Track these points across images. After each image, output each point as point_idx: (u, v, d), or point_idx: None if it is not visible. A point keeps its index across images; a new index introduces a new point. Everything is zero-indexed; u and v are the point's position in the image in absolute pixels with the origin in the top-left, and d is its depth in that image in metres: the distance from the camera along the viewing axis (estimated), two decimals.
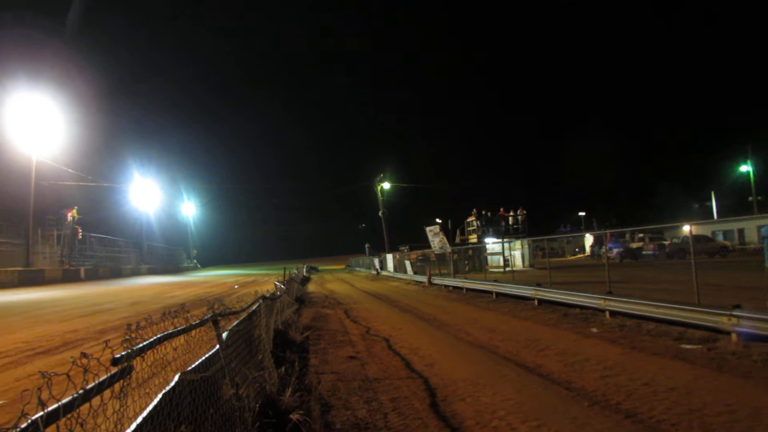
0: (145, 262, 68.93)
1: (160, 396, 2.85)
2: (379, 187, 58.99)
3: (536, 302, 14.78)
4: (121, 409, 2.35)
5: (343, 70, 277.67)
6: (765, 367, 6.87)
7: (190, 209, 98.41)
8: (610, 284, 12.53)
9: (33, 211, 40.30)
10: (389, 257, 45.42)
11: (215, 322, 4.19)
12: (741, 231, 42.42)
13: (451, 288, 23.39)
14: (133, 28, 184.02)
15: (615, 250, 38.34)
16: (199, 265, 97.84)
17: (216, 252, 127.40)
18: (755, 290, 9.33)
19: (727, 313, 8.39)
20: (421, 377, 7.25)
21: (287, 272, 25.05)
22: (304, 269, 49.65)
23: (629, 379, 6.52)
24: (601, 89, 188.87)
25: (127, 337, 2.58)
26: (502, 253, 32.06)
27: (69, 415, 1.80)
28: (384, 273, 44.81)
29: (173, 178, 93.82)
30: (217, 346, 4.17)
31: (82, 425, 1.88)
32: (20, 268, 37.70)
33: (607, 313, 11.48)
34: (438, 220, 41.67)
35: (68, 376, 1.84)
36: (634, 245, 39.50)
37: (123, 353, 2.39)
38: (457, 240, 43.01)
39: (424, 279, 27.97)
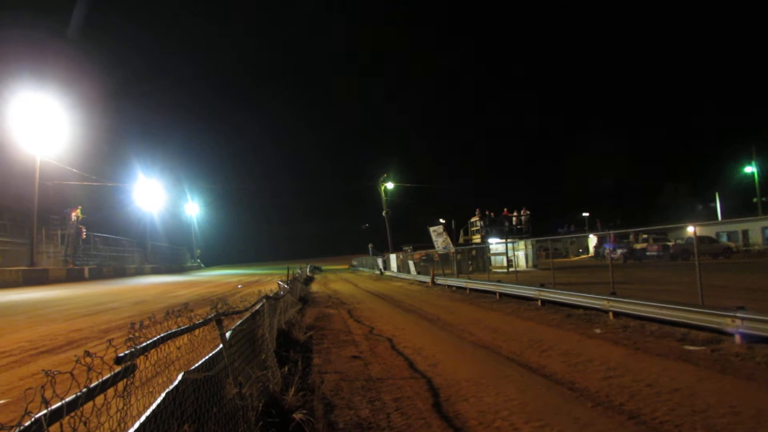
0: (148, 261, 69.15)
1: (163, 395, 2.86)
2: (382, 187, 58.95)
3: (540, 303, 14.75)
4: (125, 408, 2.36)
5: (347, 70, 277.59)
6: None
7: (193, 209, 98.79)
8: (613, 285, 12.50)
9: (37, 211, 40.47)
10: (393, 257, 45.40)
11: (219, 322, 4.19)
12: (745, 232, 42.25)
13: (454, 288, 23.37)
14: (137, 29, 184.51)
15: (619, 251, 38.27)
16: (202, 265, 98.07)
17: (220, 252, 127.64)
18: (759, 291, 9.33)
19: (731, 314, 8.36)
20: (425, 377, 7.24)
21: (291, 272, 25.07)
22: (308, 269, 49.74)
23: (633, 380, 6.50)
24: (606, 90, 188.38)
25: (130, 336, 2.59)
26: (506, 254, 31.99)
27: (72, 414, 1.81)
28: (387, 273, 44.80)
29: (177, 177, 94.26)
30: (221, 346, 4.17)
31: (85, 423, 1.88)
32: (24, 267, 37.86)
33: (611, 314, 11.45)
34: (441, 221, 41.68)
35: (72, 375, 1.85)
36: (638, 246, 39.40)
37: (126, 352, 2.40)
38: (461, 240, 42.94)
39: (427, 279, 27.95)
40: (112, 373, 2.22)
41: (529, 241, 35.06)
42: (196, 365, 3.62)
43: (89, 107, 53.46)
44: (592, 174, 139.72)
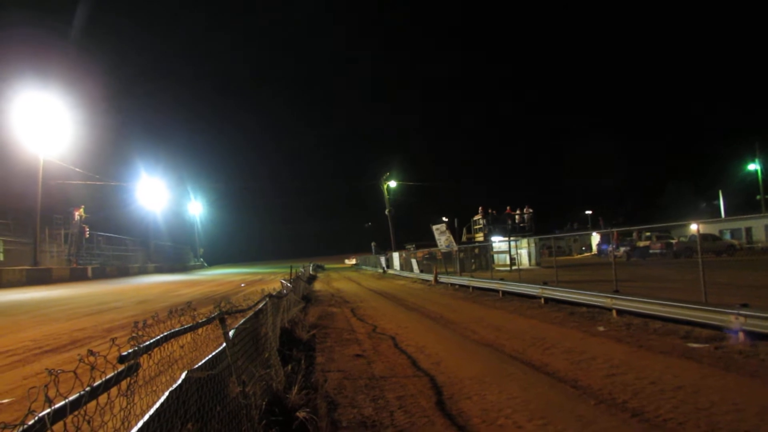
0: (152, 260, 69.30)
1: (167, 393, 2.86)
2: (385, 186, 59.00)
3: (543, 301, 14.74)
4: (128, 407, 2.36)
5: (349, 69, 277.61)
6: None
7: (197, 208, 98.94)
8: (616, 283, 12.49)
9: (41, 211, 40.56)
10: (396, 256, 45.44)
11: (222, 320, 4.20)
12: (749, 230, 42.15)
13: (457, 286, 23.37)
14: (139, 28, 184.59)
15: (622, 249, 38.21)
16: (205, 264, 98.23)
17: (223, 250, 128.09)
18: (763, 289, 9.31)
19: (735, 311, 8.34)
20: (428, 375, 7.25)
21: (294, 271, 25.11)
22: (311, 268, 49.79)
23: (636, 378, 6.49)
24: (609, 88, 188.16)
25: (134, 335, 2.59)
26: (509, 252, 31.94)
27: (76, 413, 1.81)
28: (390, 271, 44.83)
29: (180, 177, 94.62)
30: (224, 344, 4.18)
31: (89, 422, 1.89)
32: (28, 266, 37.97)
33: (614, 312, 11.44)
34: (444, 219, 41.61)
35: (75, 374, 1.85)
36: (641, 244, 39.33)
37: (130, 351, 2.40)
38: (464, 238, 43.01)
39: (430, 277, 27.95)
40: (116, 371, 2.22)
41: (532, 239, 35.06)
42: (200, 364, 3.62)
43: (92, 106, 53.67)
44: (594, 173, 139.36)
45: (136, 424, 2.40)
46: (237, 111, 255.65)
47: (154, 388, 2.86)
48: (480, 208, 41.78)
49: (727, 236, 40.43)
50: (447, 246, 31.17)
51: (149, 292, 27.00)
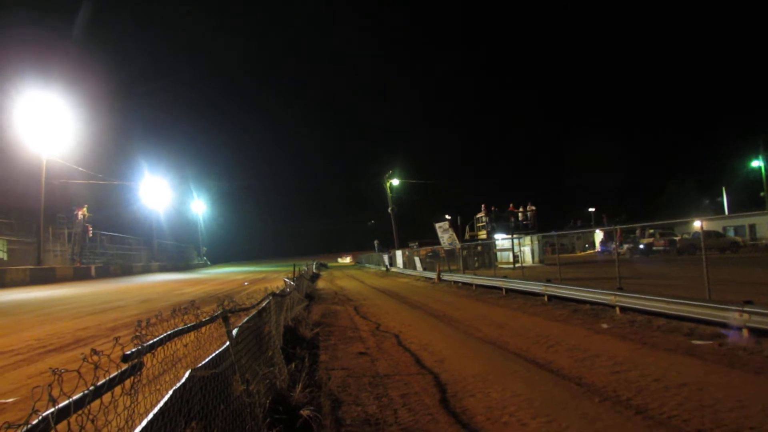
0: (155, 259, 69.37)
1: (170, 392, 2.86)
2: (388, 184, 58.93)
3: (546, 298, 14.72)
4: (132, 406, 2.36)
5: (351, 68, 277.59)
6: None
7: (199, 207, 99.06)
8: (620, 280, 12.47)
9: (44, 210, 40.63)
10: (399, 253, 45.44)
11: (225, 319, 4.20)
12: (752, 227, 42.11)
13: (460, 284, 23.36)
14: (141, 28, 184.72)
15: (625, 246, 38.15)
16: (209, 263, 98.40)
17: (226, 249, 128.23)
18: (767, 286, 9.27)
19: (739, 308, 8.31)
20: (431, 373, 7.24)
21: (297, 269, 25.10)
22: (314, 266, 49.79)
23: (640, 375, 6.48)
24: (612, 85, 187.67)
25: (137, 333, 2.59)
26: (512, 249, 31.94)
27: (80, 412, 1.81)
28: (393, 269, 44.85)
29: (183, 176, 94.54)
30: (228, 343, 4.18)
31: (93, 421, 1.88)
32: (31, 266, 38.08)
33: (618, 309, 11.42)
34: (447, 217, 41.73)
35: (79, 373, 1.85)
36: (645, 241, 39.27)
37: (133, 350, 2.40)
38: (467, 236, 42.95)
39: (433, 275, 27.95)
40: (120, 370, 2.22)
41: (535, 237, 35.03)
42: (203, 362, 3.62)
43: (94, 105, 53.61)
44: (599, 170, 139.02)
45: (140, 423, 2.40)
46: (239, 110, 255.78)
47: (158, 387, 2.86)
48: (483, 205, 41.74)
49: (731, 233, 40.41)
50: (450, 244, 31.17)
51: (152, 291, 27.05)
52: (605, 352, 7.88)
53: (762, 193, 50.67)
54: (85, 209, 48.16)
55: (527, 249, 35.62)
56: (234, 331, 4.35)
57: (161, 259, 71.76)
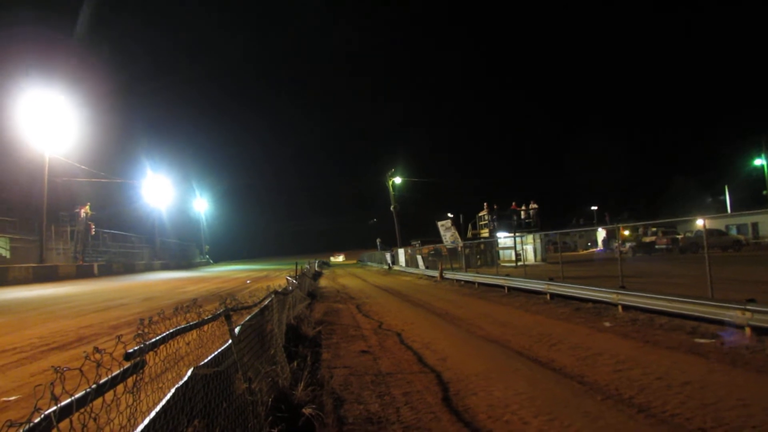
0: (157, 257, 69.55)
1: (173, 390, 2.87)
2: (390, 182, 58.84)
3: (548, 296, 14.71)
4: (134, 404, 2.37)
5: (351, 68, 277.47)
6: None
7: (202, 205, 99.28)
8: (622, 278, 12.45)
9: (46, 208, 40.74)
10: (401, 252, 45.37)
11: (228, 317, 4.20)
12: (755, 225, 41.99)
13: (462, 282, 23.34)
14: (144, 26, 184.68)
15: (627, 245, 38.09)
16: (211, 261, 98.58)
17: (228, 247, 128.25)
18: None
19: (741, 307, 8.30)
20: (434, 371, 7.24)
21: (299, 267, 25.09)
22: (316, 264, 49.80)
23: (642, 374, 6.47)
24: (615, 83, 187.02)
25: (139, 332, 2.59)
26: (514, 248, 31.83)
27: (82, 410, 1.81)
28: (396, 268, 44.81)
29: (185, 174, 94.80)
30: (230, 341, 4.18)
31: (95, 420, 1.89)
32: (34, 264, 38.17)
33: (620, 308, 11.40)
34: (449, 215, 41.62)
35: (81, 371, 1.85)
36: (647, 239, 39.20)
37: (136, 348, 2.40)
38: (469, 234, 42.84)
39: (435, 273, 27.95)
40: (122, 369, 2.22)
41: (537, 235, 34.96)
42: (206, 361, 3.63)
43: (97, 104, 53.78)
44: (602, 168, 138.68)
45: (142, 421, 2.40)
46: (241, 109, 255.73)
47: (161, 385, 2.86)
48: (485, 203, 41.64)
49: (734, 231, 40.28)
50: (452, 242, 31.08)
51: (155, 289, 27.09)
52: (607, 351, 7.87)
53: (765, 192, 50.55)
54: (87, 207, 48.23)
55: (530, 247, 35.54)
56: (236, 330, 4.35)
57: (164, 258, 71.92)
